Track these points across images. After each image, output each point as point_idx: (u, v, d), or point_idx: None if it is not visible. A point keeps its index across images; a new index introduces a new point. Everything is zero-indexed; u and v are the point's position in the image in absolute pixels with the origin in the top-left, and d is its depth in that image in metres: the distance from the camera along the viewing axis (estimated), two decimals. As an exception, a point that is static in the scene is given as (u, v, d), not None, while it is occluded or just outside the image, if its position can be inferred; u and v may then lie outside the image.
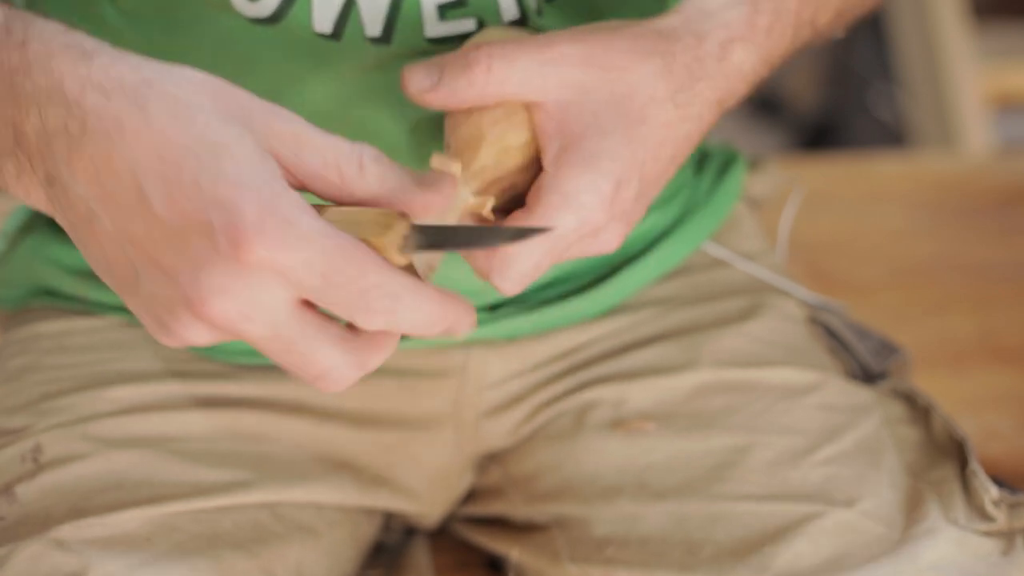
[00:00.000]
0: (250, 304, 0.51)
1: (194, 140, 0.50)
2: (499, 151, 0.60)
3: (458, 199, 0.58)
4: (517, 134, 0.60)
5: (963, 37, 2.21)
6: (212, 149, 0.50)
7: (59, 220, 0.56)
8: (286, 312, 0.52)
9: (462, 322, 0.54)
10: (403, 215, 0.54)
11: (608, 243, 0.62)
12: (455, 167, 0.57)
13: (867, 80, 2.73)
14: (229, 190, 0.50)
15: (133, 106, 0.51)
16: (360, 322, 0.52)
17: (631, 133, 0.60)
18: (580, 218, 0.59)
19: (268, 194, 0.50)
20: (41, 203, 0.56)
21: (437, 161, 0.57)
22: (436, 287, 0.53)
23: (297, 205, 0.51)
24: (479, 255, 0.59)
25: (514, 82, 0.59)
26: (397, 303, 0.52)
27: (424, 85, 0.59)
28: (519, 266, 0.59)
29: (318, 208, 0.54)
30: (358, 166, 0.53)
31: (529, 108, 0.60)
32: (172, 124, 0.51)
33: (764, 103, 3.22)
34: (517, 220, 0.59)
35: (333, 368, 0.53)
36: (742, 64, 0.65)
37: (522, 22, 0.69)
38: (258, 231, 0.49)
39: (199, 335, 0.52)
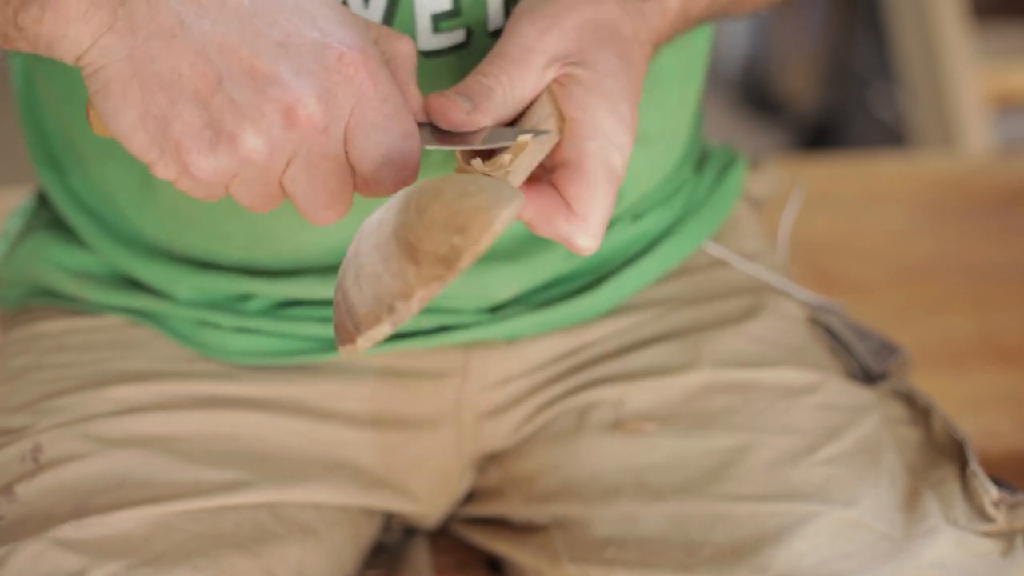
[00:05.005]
0: (334, 113, 0.57)
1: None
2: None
3: (525, 165, 0.61)
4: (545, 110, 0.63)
5: (963, 37, 2.21)
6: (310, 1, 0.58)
7: (108, 45, 0.56)
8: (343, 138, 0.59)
9: None
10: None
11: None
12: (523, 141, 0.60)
13: (867, 80, 2.74)
14: (333, 25, 0.58)
15: None
16: (389, 171, 0.59)
17: (627, 70, 0.63)
18: (618, 146, 0.62)
19: (367, 39, 0.59)
20: (93, 23, 0.56)
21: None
22: None
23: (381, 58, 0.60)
24: (560, 225, 0.61)
25: (529, 87, 0.62)
26: (415, 173, 0.59)
27: (468, 108, 0.61)
28: (596, 218, 0.61)
29: None
30: (398, 36, 0.62)
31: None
32: None
33: (764, 103, 3.22)
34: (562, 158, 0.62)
35: (348, 206, 0.61)
36: (672, 9, 0.67)
37: None
38: (363, 55, 0.58)
39: (256, 147, 0.56)
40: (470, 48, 0.69)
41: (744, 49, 3.30)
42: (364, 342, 0.54)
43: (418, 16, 0.68)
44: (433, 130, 0.62)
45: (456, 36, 0.68)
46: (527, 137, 0.60)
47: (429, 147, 0.61)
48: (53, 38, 0.56)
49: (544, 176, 0.62)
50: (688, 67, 0.82)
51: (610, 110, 0.62)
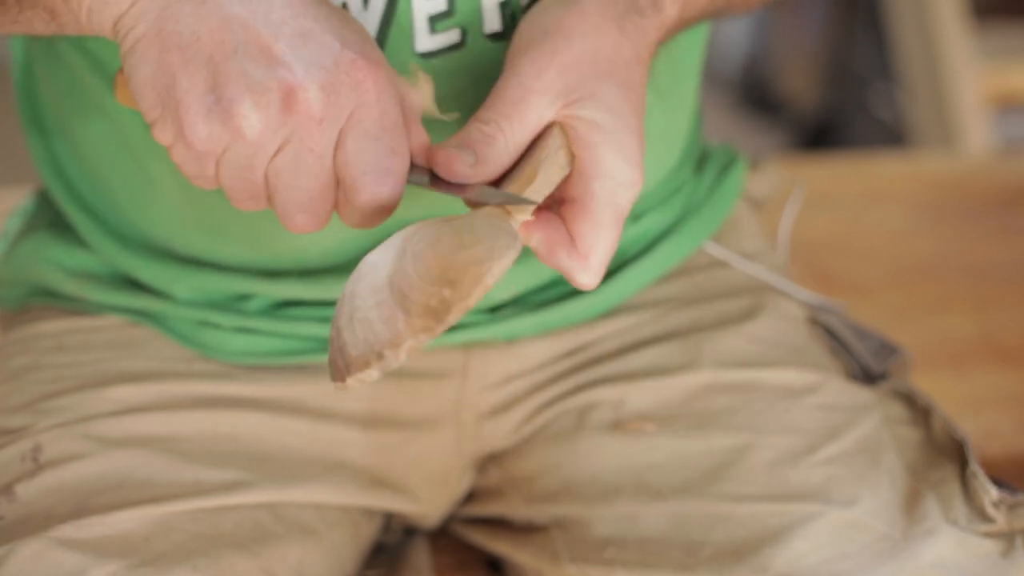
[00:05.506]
0: (333, 110, 0.58)
1: (318, 2, 0.60)
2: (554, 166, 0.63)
3: (525, 212, 0.62)
4: (556, 143, 0.64)
5: (963, 37, 2.21)
6: (337, 10, 0.60)
7: (144, 6, 0.58)
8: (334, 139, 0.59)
9: None
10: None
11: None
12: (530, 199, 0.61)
13: (867, 80, 2.74)
14: (357, 38, 0.60)
15: None
16: (368, 182, 0.59)
17: (629, 98, 0.64)
18: (624, 185, 0.63)
19: (385, 62, 0.60)
20: None
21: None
22: None
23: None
24: (562, 259, 0.63)
25: (530, 128, 0.63)
26: (394, 192, 0.60)
27: (471, 161, 0.61)
28: (597, 257, 0.63)
29: None
30: (410, 85, 0.63)
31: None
32: None
33: (764, 103, 3.23)
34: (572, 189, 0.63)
35: (325, 218, 0.61)
36: (671, 18, 0.68)
37: (505, 33, 0.69)
38: (374, 66, 0.59)
39: (251, 122, 0.57)
40: (466, 48, 0.69)
41: (744, 49, 3.31)
42: (354, 383, 0.55)
43: (415, 17, 0.68)
44: (431, 175, 0.62)
45: (451, 36, 0.69)
46: (518, 205, 0.60)
47: (426, 187, 0.62)
48: (96, 6, 0.58)
49: (553, 206, 0.63)
50: (684, 66, 0.82)
51: (615, 148, 0.62)
